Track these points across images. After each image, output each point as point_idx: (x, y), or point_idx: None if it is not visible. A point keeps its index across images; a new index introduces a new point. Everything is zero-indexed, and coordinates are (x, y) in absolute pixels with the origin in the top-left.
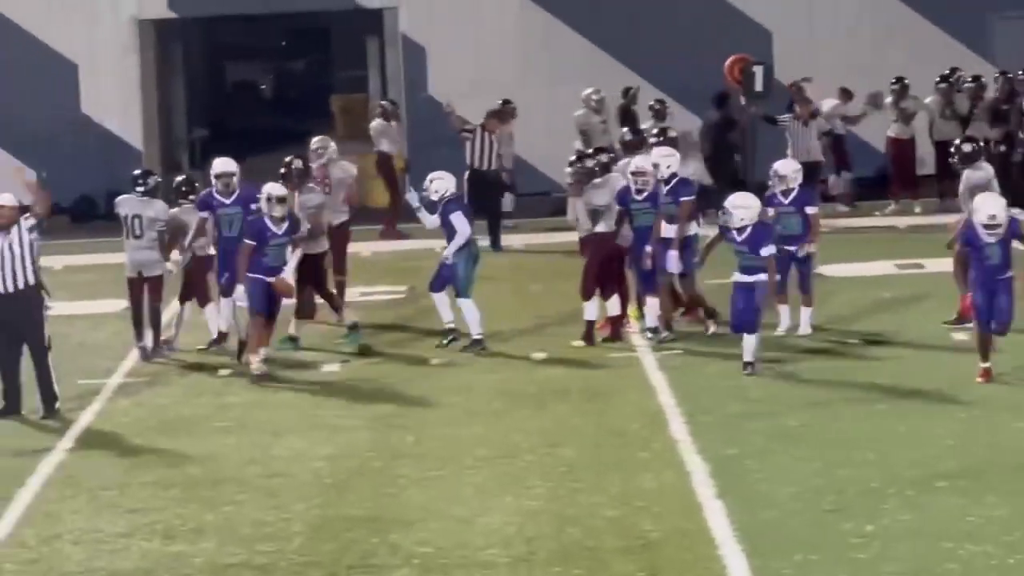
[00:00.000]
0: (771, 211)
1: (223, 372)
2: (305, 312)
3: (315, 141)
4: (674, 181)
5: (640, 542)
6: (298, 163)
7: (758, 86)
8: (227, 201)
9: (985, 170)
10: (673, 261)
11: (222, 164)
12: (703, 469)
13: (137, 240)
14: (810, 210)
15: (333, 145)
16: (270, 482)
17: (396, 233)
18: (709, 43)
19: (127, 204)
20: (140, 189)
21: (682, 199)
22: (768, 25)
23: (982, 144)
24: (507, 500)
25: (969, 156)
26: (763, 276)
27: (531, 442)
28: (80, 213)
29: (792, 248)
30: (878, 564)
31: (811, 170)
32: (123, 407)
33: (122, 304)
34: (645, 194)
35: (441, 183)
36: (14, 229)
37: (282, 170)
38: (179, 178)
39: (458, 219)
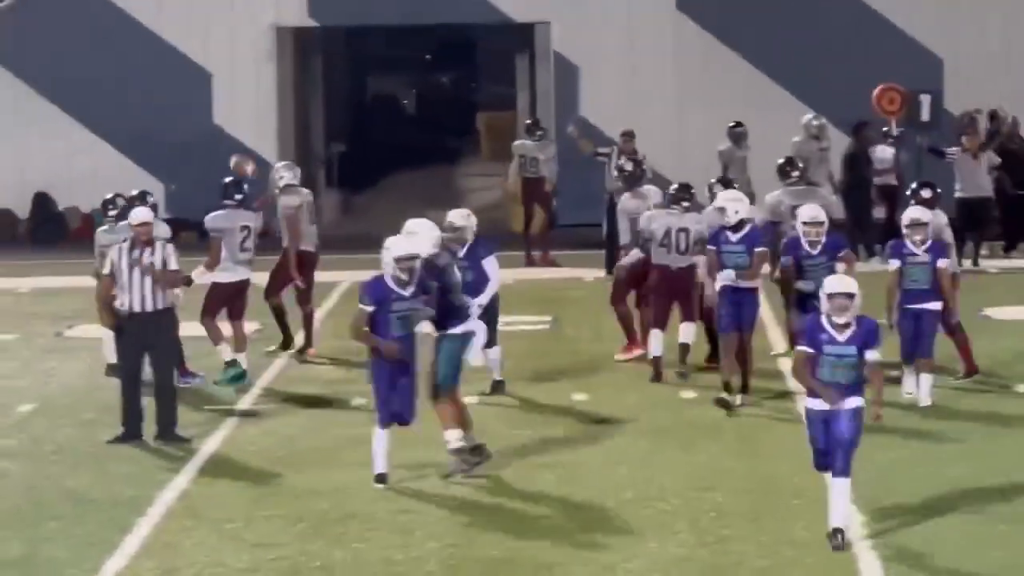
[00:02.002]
0: (897, 263)
1: (357, 401)
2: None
3: (280, 167)
4: (747, 227)
5: None
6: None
7: (925, 115)
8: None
9: None
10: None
11: None
12: (859, 520)
13: None
14: (942, 263)
15: (292, 172)
16: (402, 518)
17: (550, 260)
18: (876, 69)
19: (102, 237)
20: (112, 213)
21: (757, 249)
22: (938, 51)
23: None
24: (652, 546)
25: None
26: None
27: (678, 485)
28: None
29: (918, 306)
30: None
31: (982, 206)
32: (250, 436)
33: (255, 325)
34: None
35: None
36: (157, 246)
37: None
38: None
39: (491, 264)
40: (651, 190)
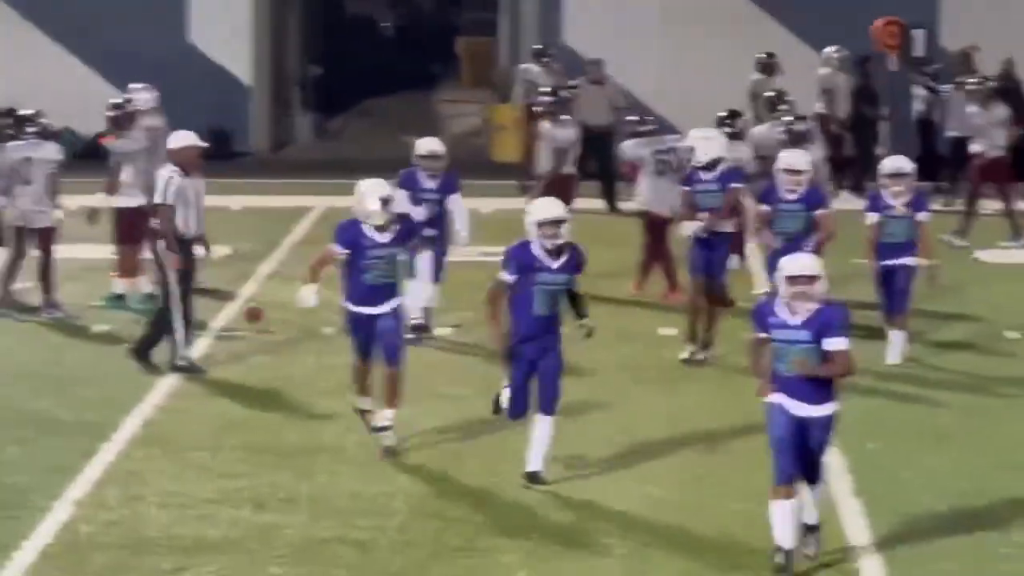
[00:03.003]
0: (875, 216)
1: (327, 330)
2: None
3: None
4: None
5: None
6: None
7: (919, 51)
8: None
9: None
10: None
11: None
12: (841, 463)
13: (26, 187)
14: (922, 217)
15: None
16: (371, 452)
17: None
18: (867, 3)
19: (14, 150)
20: (31, 130)
21: (730, 186)
22: None
23: None
24: (630, 486)
25: None
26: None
27: (658, 427)
28: None
29: (895, 262)
30: None
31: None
32: (220, 363)
33: (225, 250)
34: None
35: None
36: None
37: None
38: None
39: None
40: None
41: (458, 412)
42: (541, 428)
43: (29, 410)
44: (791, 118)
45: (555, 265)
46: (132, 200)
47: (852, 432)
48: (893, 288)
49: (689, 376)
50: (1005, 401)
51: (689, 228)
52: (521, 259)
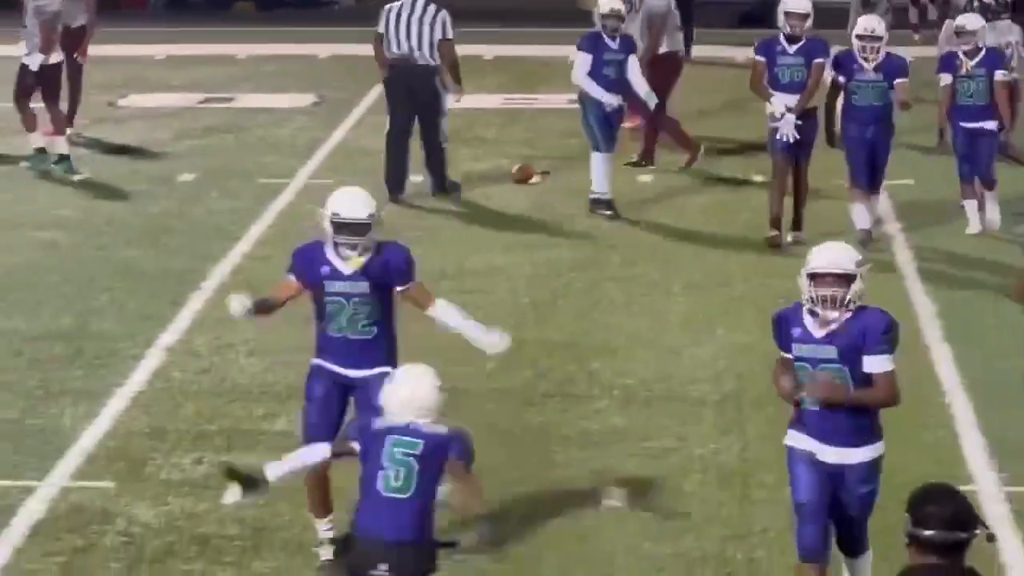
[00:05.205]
0: (948, 77)
1: (413, 179)
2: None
3: None
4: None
5: None
6: None
7: None
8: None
9: None
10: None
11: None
12: (931, 310)
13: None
14: (1000, 75)
15: None
16: (464, 299)
17: None
18: None
19: None
20: None
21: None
22: None
23: None
24: (718, 332)
25: None
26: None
27: (745, 271)
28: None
29: (976, 124)
30: None
31: None
32: (309, 211)
33: (310, 99)
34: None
35: None
36: None
37: None
38: None
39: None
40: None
41: (549, 261)
42: None
43: (117, 259)
44: None
45: None
46: None
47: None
48: (976, 153)
49: None
50: None
51: (780, 105)
52: None
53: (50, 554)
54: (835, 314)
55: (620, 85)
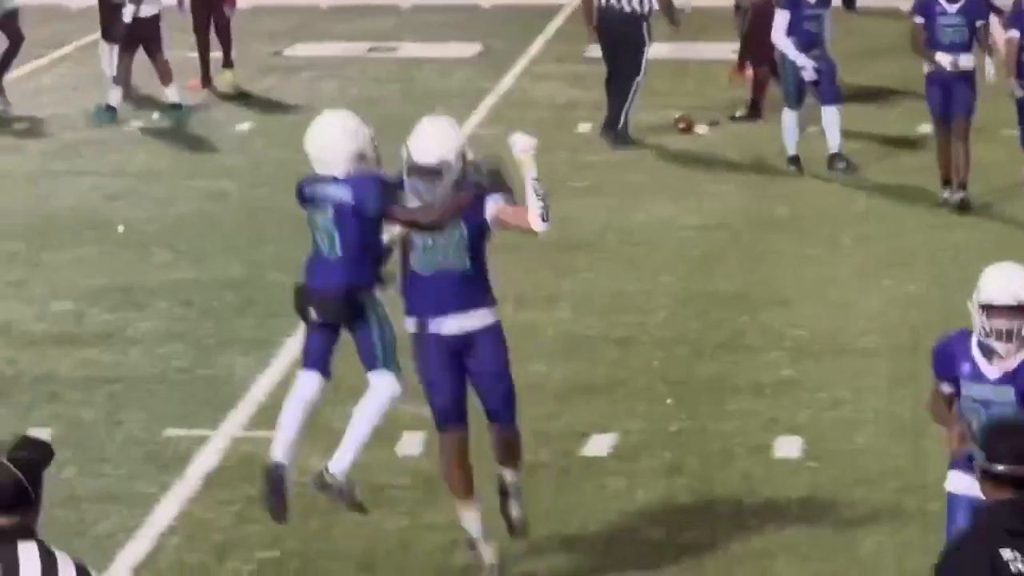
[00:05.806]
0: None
1: (581, 129)
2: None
3: None
4: None
5: None
6: None
7: None
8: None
9: None
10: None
11: None
12: None
13: None
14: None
15: None
16: (632, 250)
17: None
18: None
19: None
20: None
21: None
22: None
23: None
24: (888, 284)
25: None
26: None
27: (919, 221)
28: None
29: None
30: None
31: None
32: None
33: (475, 48)
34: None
35: None
36: None
37: None
38: None
39: None
40: None
41: (718, 211)
42: None
43: (286, 209)
44: None
45: None
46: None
47: None
48: None
49: None
50: None
51: (946, 59)
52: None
53: (224, 503)
54: (1011, 347)
55: (820, 40)
